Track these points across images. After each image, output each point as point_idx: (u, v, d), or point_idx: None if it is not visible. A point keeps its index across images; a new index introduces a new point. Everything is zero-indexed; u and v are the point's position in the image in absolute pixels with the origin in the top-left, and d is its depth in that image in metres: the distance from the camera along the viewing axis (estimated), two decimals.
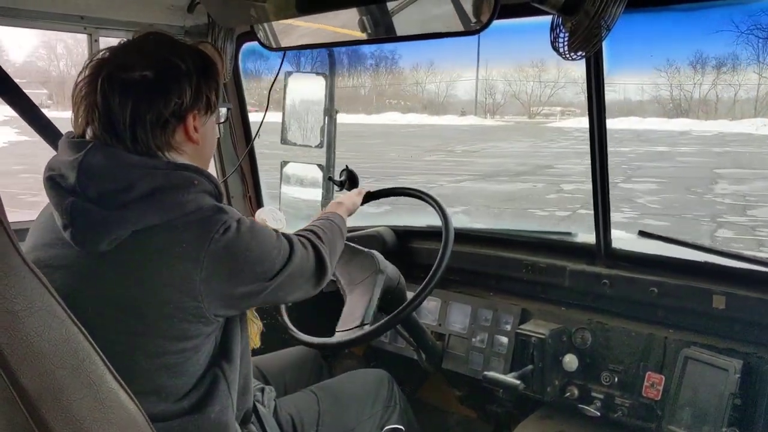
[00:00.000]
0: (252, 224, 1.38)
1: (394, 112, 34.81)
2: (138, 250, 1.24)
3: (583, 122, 2.19)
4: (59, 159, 1.29)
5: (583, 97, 2.11)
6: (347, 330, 1.88)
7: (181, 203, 1.26)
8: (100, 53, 1.31)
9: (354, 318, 1.90)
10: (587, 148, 2.04)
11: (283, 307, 2.05)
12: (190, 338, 1.29)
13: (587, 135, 2.03)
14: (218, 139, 2.79)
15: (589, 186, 2.08)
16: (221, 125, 2.66)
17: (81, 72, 1.30)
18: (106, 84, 1.26)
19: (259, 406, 1.65)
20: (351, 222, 2.53)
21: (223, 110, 1.53)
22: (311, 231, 1.63)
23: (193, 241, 1.25)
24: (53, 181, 1.26)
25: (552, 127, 29.15)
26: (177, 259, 1.24)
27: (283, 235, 1.50)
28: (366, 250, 2.08)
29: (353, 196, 2.03)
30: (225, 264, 1.29)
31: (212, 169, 2.81)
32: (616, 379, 1.97)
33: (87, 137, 1.30)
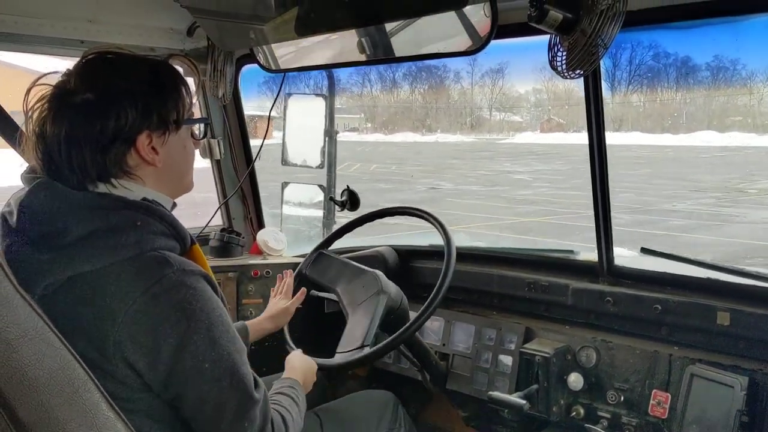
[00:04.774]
0: (211, 300, 1.18)
1: (708, 131, 27.35)
2: (69, 298, 1.13)
3: None
4: (15, 195, 1.22)
5: None
6: (348, 351, 1.87)
7: (116, 247, 1.14)
8: (44, 78, 1.24)
9: (355, 339, 1.88)
10: None
11: (286, 327, 2.03)
12: (123, 399, 1.13)
13: None
14: (218, 161, 2.79)
15: None
16: (211, 143, 2.55)
17: (24, 99, 1.22)
18: (46, 111, 1.19)
19: None
20: (352, 242, 2.53)
21: (195, 127, 1.36)
22: (282, 406, 1.41)
23: (118, 295, 1.11)
24: (3, 218, 1.21)
25: None
26: (99, 313, 1.12)
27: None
28: (369, 269, 2.06)
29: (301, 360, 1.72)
30: (144, 330, 1.11)
31: (212, 192, 2.84)
32: (622, 398, 1.95)
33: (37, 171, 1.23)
